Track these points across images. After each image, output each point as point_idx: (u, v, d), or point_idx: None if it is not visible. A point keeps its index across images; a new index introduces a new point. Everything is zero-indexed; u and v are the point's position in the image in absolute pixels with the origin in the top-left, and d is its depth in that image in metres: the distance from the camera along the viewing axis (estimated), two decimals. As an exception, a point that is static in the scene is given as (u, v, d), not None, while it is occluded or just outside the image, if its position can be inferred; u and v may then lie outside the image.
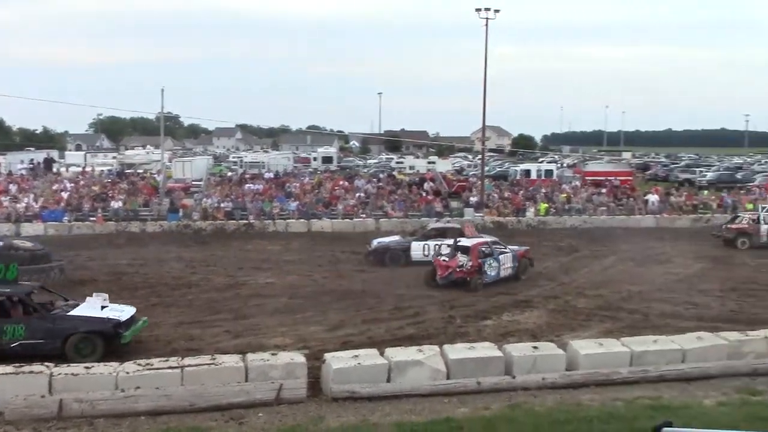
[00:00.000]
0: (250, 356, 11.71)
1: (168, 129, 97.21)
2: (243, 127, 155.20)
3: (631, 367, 12.26)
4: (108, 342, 13.60)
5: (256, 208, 35.63)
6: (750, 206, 39.56)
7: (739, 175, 60.63)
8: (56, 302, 14.79)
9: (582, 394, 11.55)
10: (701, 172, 64.88)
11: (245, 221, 33.76)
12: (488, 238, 22.66)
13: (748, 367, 12.58)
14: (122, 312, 14.37)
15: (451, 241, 22.37)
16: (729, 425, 9.37)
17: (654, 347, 12.65)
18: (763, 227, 27.78)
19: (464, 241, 21.67)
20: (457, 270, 20.24)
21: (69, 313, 14.05)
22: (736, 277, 22.20)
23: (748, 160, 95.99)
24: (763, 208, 29.43)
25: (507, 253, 21.70)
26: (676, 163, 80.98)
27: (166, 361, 11.47)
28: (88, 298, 14.81)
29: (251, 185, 43.21)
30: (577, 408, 10.76)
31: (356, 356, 11.76)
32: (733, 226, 29.03)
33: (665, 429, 5.48)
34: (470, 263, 20.32)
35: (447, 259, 20.84)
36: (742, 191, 45.10)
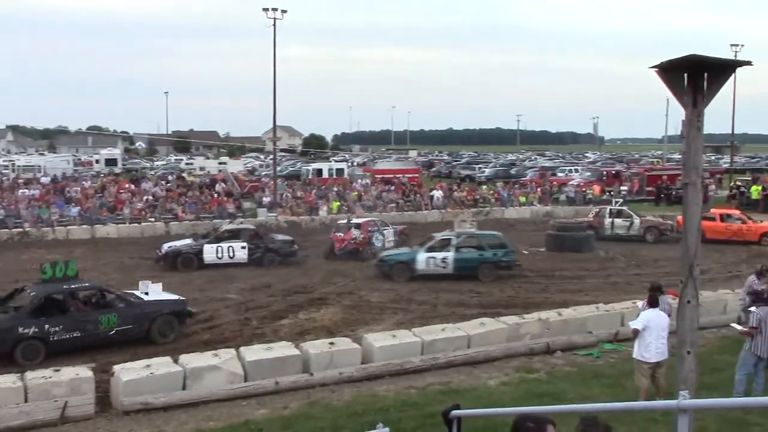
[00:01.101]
0: (29, 374, 10.87)
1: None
2: (14, 128, 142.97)
3: (422, 355, 12.80)
4: (181, 321, 15.21)
5: (32, 215, 32.99)
6: (523, 199, 42.85)
7: (513, 171, 65.40)
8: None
9: (378, 385, 11.89)
10: (480, 168, 69.31)
11: (20, 229, 31.16)
12: (375, 219, 28.17)
13: (526, 347, 13.61)
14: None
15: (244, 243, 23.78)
16: (510, 403, 10.09)
17: (442, 335, 13.31)
18: (607, 220, 29.85)
19: (356, 220, 26.87)
20: (351, 242, 24.78)
21: (147, 299, 15.33)
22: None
23: (521, 156, 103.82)
24: (617, 202, 32.02)
25: (389, 229, 26.50)
26: (458, 161, 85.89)
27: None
28: (141, 284, 16.10)
29: (26, 190, 39.99)
30: (374, 399, 11.07)
31: (148, 366, 11.30)
32: (581, 219, 31.18)
33: (454, 412, 5.77)
34: (362, 236, 24.95)
35: (342, 234, 25.05)
36: (516, 185, 48.56)
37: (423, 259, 21.32)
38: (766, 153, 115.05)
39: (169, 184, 45.25)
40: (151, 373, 11.04)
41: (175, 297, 15.89)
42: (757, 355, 10.66)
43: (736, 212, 30.30)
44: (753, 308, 11.17)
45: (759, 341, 10.63)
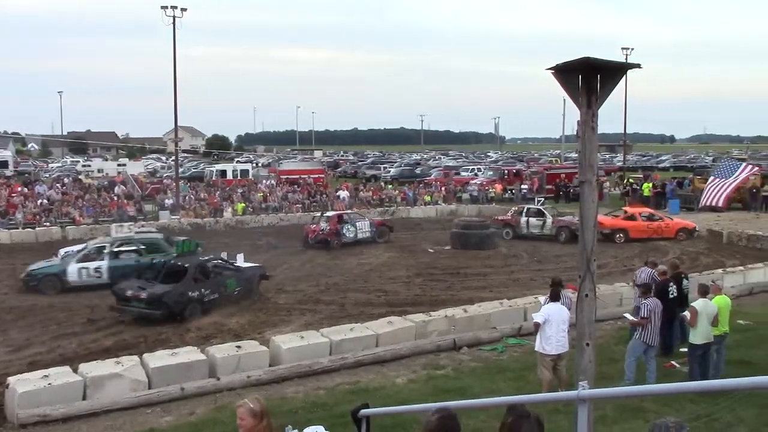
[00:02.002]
0: None
1: None
2: None
3: (331, 356, 12.79)
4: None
5: None
6: (428, 198, 43.44)
7: (418, 170, 66.15)
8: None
9: (287, 387, 11.80)
10: (385, 168, 69.76)
11: None
12: (350, 211, 31.08)
13: (433, 344, 13.79)
14: None
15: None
16: (418, 400, 10.20)
17: (351, 335, 13.35)
18: (523, 219, 30.31)
19: (329, 213, 29.39)
20: (320, 233, 27.18)
21: (245, 266, 19.38)
22: (419, 264, 24.20)
23: (425, 156, 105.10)
24: (539, 201, 32.61)
25: (364, 221, 28.90)
26: (363, 161, 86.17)
27: None
28: (222, 254, 19.73)
29: None
30: (282, 401, 10.97)
31: (46, 376, 10.85)
32: (499, 217, 31.64)
33: (363, 411, 5.80)
34: (329, 228, 27.40)
35: (314, 226, 27.90)
36: (420, 185, 49.17)
37: (74, 270, 20.27)
38: (656, 152, 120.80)
39: (65, 187, 43.63)
40: (49, 384, 10.60)
41: (257, 264, 20.21)
42: (647, 343, 11.36)
43: (647, 210, 31.49)
44: (644, 300, 11.78)
45: (649, 330, 11.31)
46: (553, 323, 10.68)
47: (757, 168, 30.72)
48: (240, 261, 19.68)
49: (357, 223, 28.49)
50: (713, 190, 25.53)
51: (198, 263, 17.82)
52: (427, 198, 43.83)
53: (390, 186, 50.89)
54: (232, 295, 17.85)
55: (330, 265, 24.18)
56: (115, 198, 39.82)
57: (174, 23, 38.41)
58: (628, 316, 12.34)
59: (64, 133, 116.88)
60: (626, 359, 11.38)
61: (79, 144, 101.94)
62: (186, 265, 17.46)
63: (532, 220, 30.09)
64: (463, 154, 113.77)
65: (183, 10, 38.66)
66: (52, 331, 15.74)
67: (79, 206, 36.05)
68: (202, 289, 17.11)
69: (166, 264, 18.21)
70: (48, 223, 32.85)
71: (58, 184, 45.23)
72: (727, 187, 25.43)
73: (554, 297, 11.10)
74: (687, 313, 11.53)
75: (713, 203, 25.98)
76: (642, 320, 11.40)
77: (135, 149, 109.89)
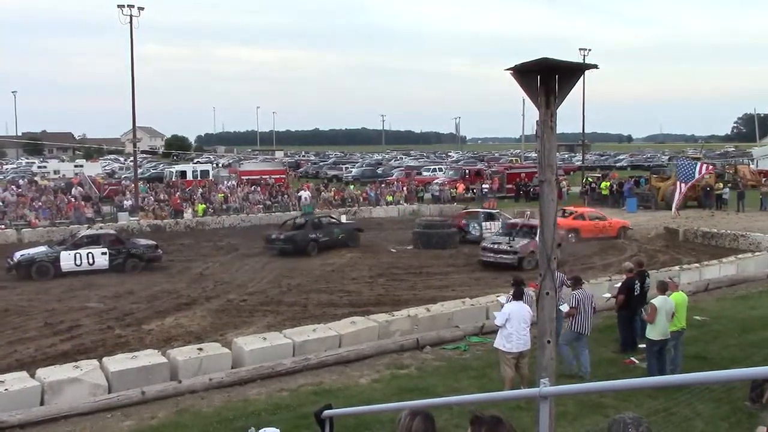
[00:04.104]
0: None
1: None
2: None
3: (294, 357, 12.73)
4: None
5: None
6: (390, 198, 43.51)
7: (379, 171, 66.23)
8: None
9: (249, 389, 11.72)
10: (347, 168, 69.75)
11: None
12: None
13: (396, 344, 13.81)
14: None
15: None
16: (382, 400, 10.22)
17: (314, 336, 13.31)
18: (473, 224, 30.07)
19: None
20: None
21: (344, 221, 31.22)
22: (382, 264, 24.23)
23: (387, 156, 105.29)
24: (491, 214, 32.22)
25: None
26: (325, 161, 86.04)
27: None
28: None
29: None
30: (245, 404, 10.91)
31: (2, 382, 10.62)
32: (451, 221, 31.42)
33: (326, 412, 5.79)
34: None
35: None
36: (382, 185, 49.25)
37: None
38: (614, 151, 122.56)
39: (20, 189, 42.80)
40: (5, 390, 10.38)
41: (354, 221, 31.81)
42: (578, 332, 11.82)
43: (589, 210, 31.95)
44: (573, 291, 12.41)
45: (579, 319, 11.91)
46: (514, 321, 10.78)
47: (711, 167, 31.42)
48: (343, 219, 31.99)
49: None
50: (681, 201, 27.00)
51: (313, 218, 28.68)
52: (389, 198, 43.90)
53: (352, 186, 50.88)
54: (338, 239, 27.39)
55: (292, 266, 24.07)
56: (72, 200, 39.14)
57: (131, 22, 37.92)
58: (561, 307, 12.60)
59: (19, 133, 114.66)
60: (558, 348, 11.62)
61: (35, 145, 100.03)
62: (306, 220, 28.31)
63: (485, 223, 28.95)
64: (425, 154, 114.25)
65: (140, 9, 38.19)
66: (8, 336, 15.39)
67: (34, 208, 35.40)
68: (317, 234, 26.91)
69: (295, 220, 28.79)
70: (2, 226, 32.15)
71: (12, 186, 44.45)
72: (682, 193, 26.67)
73: (517, 296, 11.22)
74: (646, 309, 11.77)
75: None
76: (571, 310, 11.91)
77: (92, 150, 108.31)
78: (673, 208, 28.94)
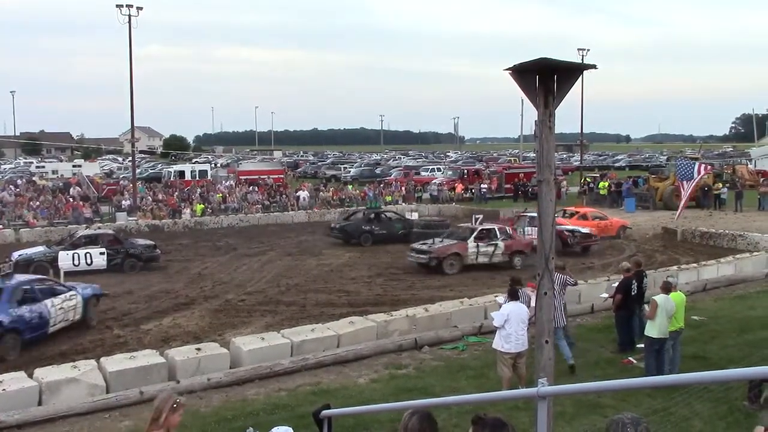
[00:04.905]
0: None
1: None
2: None
3: (292, 357, 12.72)
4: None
5: None
6: (388, 198, 43.51)
7: (378, 170, 66.22)
8: None
9: (247, 389, 11.71)
10: (345, 168, 69.75)
11: None
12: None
13: (394, 344, 13.80)
14: None
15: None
16: (380, 400, 10.23)
17: (312, 336, 13.30)
18: (471, 245, 29.86)
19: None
20: None
21: (413, 218, 32.25)
22: (380, 264, 24.23)
23: (385, 156, 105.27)
24: (477, 219, 31.87)
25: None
26: (323, 161, 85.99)
27: None
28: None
29: None
30: (243, 403, 10.90)
31: (0, 382, 10.61)
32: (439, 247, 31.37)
33: (324, 412, 5.79)
34: None
35: None
36: (381, 185, 49.27)
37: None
38: (612, 151, 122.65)
39: (18, 189, 42.77)
40: (3, 390, 10.37)
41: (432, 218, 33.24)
42: (554, 326, 11.75)
43: (591, 210, 31.92)
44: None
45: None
46: (512, 322, 10.78)
47: (709, 167, 31.43)
48: (414, 216, 32.78)
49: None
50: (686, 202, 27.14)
51: (370, 211, 30.67)
52: (388, 198, 43.90)
53: (350, 186, 50.88)
54: (397, 234, 28.60)
55: (290, 265, 24.07)
56: (71, 200, 39.14)
57: (129, 22, 37.92)
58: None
59: (17, 133, 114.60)
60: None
61: (33, 145, 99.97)
62: (363, 212, 30.77)
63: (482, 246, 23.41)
64: (423, 154, 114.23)
65: (139, 8, 38.20)
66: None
67: (33, 208, 35.38)
68: (372, 227, 28.71)
69: (356, 212, 32.30)
70: (1, 226, 32.14)
71: (11, 186, 44.40)
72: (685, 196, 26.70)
73: (513, 295, 11.21)
74: (648, 304, 11.78)
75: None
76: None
77: (90, 150, 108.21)
78: (678, 213, 28.74)
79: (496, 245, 23.18)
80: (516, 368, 10.87)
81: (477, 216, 26.35)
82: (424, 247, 23.11)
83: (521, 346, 10.81)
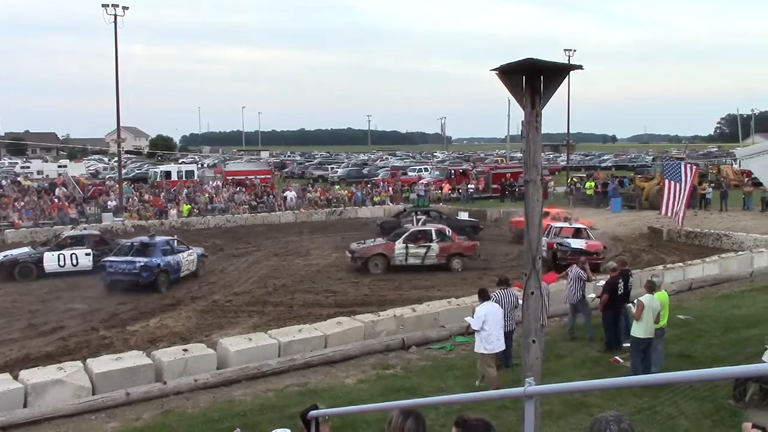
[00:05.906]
0: None
1: None
2: None
3: (279, 357, 12.70)
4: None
5: None
6: (376, 199, 43.49)
7: (365, 171, 66.19)
8: None
9: (235, 390, 11.69)
10: (333, 168, 69.68)
11: None
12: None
13: (382, 344, 13.81)
14: None
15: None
16: (368, 400, 10.23)
17: (299, 336, 13.29)
18: (399, 246, 29.76)
19: None
20: None
21: (462, 218, 32.17)
22: (368, 264, 24.14)
23: (372, 156, 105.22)
24: (420, 221, 31.74)
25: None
26: (310, 161, 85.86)
27: None
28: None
29: None
30: (231, 404, 10.88)
31: (-15, 384, 10.54)
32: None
33: (312, 412, 5.78)
34: None
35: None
36: (368, 185, 49.22)
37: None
38: (598, 151, 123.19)
39: (3, 189, 42.47)
40: (-12, 392, 10.30)
41: (473, 219, 31.92)
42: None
43: (559, 211, 31.84)
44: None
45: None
46: (490, 322, 10.83)
47: (695, 167, 31.55)
48: (464, 215, 32.41)
49: None
50: (671, 201, 26.49)
51: (418, 209, 30.79)
52: (376, 198, 43.89)
53: (337, 186, 50.82)
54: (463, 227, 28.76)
55: (277, 266, 24.03)
56: (56, 200, 38.89)
57: (115, 22, 37.72)
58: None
59: (1, 133, 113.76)
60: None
61: (18, 145, 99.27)
62: (406, 210, 32.74)
63: (412, 247, 23.09)
64: (410, 155, 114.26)
65: (125, 8, 38.01)
66: (-9, 338, 15.30)
67: (18, 209, 35.13)
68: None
69: (404, 210, 33.50)
70: (-15, 227, 31.89)
71: (-5, 187, 44.02)
72: (681, 201, 26.34)
73: (484, 296, 11.28)
74: (632, 306, 11.83)
75: (674, 219, 27.03)
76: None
77: (76, 150, 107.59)
78: (681, 220, 27.68)
79: (428, 247, 23.10)
80: (500, 367, 10.93)
81: (419, 217, 27.19)
82: (353, 246, 23.56)
83: (503, 345, 10.88)
